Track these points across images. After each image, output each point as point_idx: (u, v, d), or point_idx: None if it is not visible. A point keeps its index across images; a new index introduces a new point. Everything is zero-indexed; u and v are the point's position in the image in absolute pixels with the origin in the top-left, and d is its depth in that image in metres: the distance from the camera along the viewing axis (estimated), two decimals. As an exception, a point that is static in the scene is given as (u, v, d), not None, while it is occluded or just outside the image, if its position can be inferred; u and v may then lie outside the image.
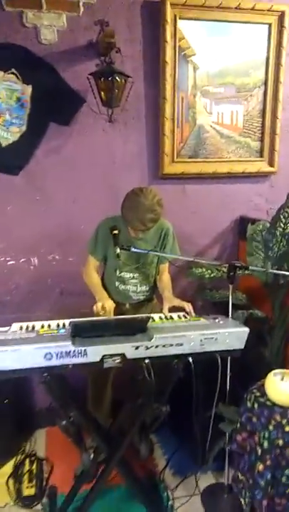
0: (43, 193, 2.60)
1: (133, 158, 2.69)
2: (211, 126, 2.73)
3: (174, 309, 2.07)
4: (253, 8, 2.56)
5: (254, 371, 2.01)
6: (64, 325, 1.95)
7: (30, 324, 1.95)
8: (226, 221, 2.93)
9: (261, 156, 2.83)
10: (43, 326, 1.92)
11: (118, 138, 2.64)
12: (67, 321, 1.99)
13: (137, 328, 1.76)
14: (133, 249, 2.01)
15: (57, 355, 1.62)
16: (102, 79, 2.30)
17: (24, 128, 2.46)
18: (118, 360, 1.68)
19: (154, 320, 1.93)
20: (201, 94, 2.67)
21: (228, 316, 2.05)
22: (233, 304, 2.03)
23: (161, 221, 2.27)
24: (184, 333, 1.73)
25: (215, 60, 2.62)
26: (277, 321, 2.12)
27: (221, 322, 1.89)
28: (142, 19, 2.50)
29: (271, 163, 2.84)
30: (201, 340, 1.73)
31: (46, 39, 2.39)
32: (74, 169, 2.61)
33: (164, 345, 1.70)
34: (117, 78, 2.27)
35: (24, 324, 1.95)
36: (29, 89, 2.41)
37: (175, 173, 2.71)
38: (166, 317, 2.03)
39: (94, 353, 1.65)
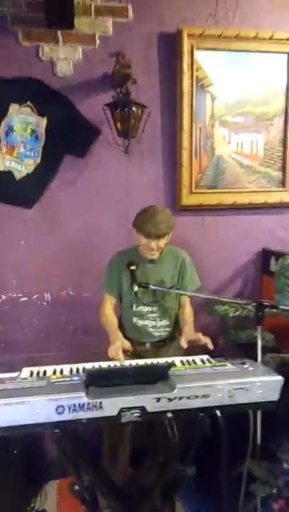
0: (56, 226, 2.51)
1: (149, 189, 2.59)
2: (230, 156, 2.63)
3: (192, 347, 1.91)
4: (271, 38, 2.51)
5: (287, 423, 1.81)
6: (78, 370, 1.80)
7: (42, 369, 1.81)
8: (247, 254, 2.78)
9: (283, 186, 2.71)
10: (54, 372, 1.77)
11: (134, 169, 2.55)
12: (80, 366, 1.85)
13: (157, 376, 1.59)
14: (152, 287, 1.88)
15: (69, 408, 1.46)
16: (118, 109, 2.24)
17: (38, 160, 2.40)
18: (137, 414, 1.50)
19: (175, 365, 1.76)
20: (220, 124, 2.59)
21: (256, 360, 1.87)
22: (263, 347, 1.85)
23: (177, 249, 2.21)
24: (211, 383, 1.55)
25: (233, 89, 2.56)
26: (310, 365, 1.93)
27: (251, 368, 1.70)
28: (158, 50, 2.47)
29: (294, 194, 2.72)
30: (229, 391, 1.54)
31: (62, 72, 2.36)
32: (89, 202, 2.52)
33: (188, 397, 1.52)
34: (133, 108, 2.21)
35: (35, 369, 1.81)
36: (44, 121, 2.36)
37: (193, 204, 2.60)
38: (188, 362, 1.85)
39: (110, 405, 1.48)
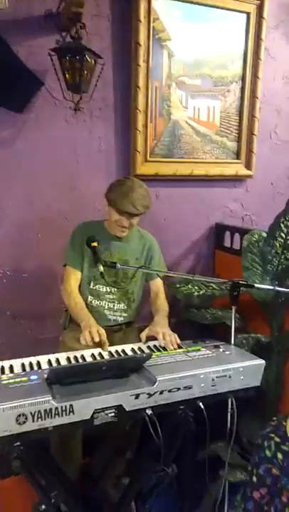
0: (-10, 195, 2.11)
1: (100, 155, 2.30)
2: (187, 123, 2.43)
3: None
4: (231, -7, 2.31)
5: (256, 406, 1.75)
6: (31, 366, 1.52)
7: (-15, 368, 1.50)
8: (200, 229, 2.66)
9: (238, 157, 2.60)
10: (3, 371, 1.47)
11: (83, 131, 2.23)
12: (33, 360, 1.57)
13: (132, 368, 1.40)
14: (119, 266, 1.64)
15: (33, 416, 1.20)
16: (68, 57, 1.88)
17: None
18: (113, 414, 1.30)
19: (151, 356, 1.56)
20: (177, 86, 2.36)
21: (226, 341, 1.76)
22: (228, 326, 1.75)
23: (145, 232, 2.05)
24: (193, 372, 1.40)
25: (191, 48, 2.34)
26: (275, 344, 1.88)
27: (227, 352, 1.59)
28: (111, -8, 2.13)
29: (248, 166, 2.62)
30: (212, 380, 1.41)
31: (-5, 3, 1.91)
32: (30, 166, 2.16)
33: (169, 390, 1.36)
34: (87, 57, 1.87)
35: (-24, 368, 1.49)
36: (-28, 64, 1.91)
37: (148, 174, 2.36)
38: (156, 347, 1.68)
39: (83, 408, 1.25)
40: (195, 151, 2.49)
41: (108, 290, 1.90)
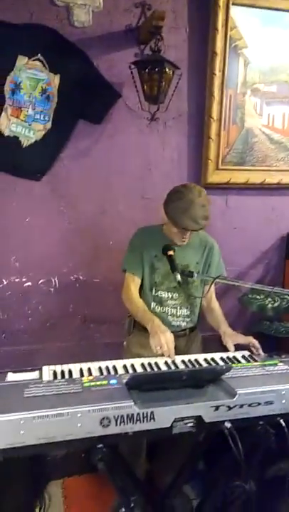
0: (67, 203, 2.21)
1: (172, 164, 2.32)
2: (261, 130, 2.39)
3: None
4: (313, -3, 2.24)
5: None
6: (108, 370, 1.56)
7: (66, 368, 1.56)
8: (271, 238, 2.59)
9: (313, 165, 2.50)
10: (82, 373, 1.52)
11: (156, 140, 2.27)
12: (109, 364, 1.61)
13: (210, 379, 1.38)
14: (196, 276, 1.64)
15: (116, 420, 1.22)
16: (147, 69, 1.93)
17: (49, 125, 2.07)
18: (192, 424, 1.29)
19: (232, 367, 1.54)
20: (251, 93, 2.33)
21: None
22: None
23: (204, 234, 1.98)
24: (274, 387, 1.35)
25: (268, 54, 2.30)
26: None
27: (308, 368, 1.52)
28: (188, 4, 2.16)
29: None
30: (294, 397, 1.36)
31: (79, 21, 2.02)
32: (104, 175, 2.23)
33: (250, 405, 1.32)
34: (166, 69, 1.91)
35: (58, 368, 1.56)
36: (57, 79, 2.03)
37: (219, 182, 2.35)
38: (229, 359, 1.65)
39: (163, 416, 1.25)
40: (268, 159, 2.44)
41: (170, 296, 1.89)
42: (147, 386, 1.32)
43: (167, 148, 2.29)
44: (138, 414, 1.23)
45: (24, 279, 2.23)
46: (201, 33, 2.19)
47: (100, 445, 1.22)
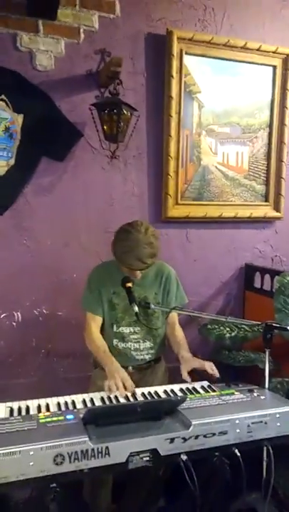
0: (30, 236, 2.23)
1: (133, 199, 2.41)
2: (216, 167, 2.53)
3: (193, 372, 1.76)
4: (258, 49, 2.46)
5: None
6: (67, 405, 1.55)
7: (23, 405, 1.54)
8: (230, 269, 2.68)
9: (266, 200, 2.66)
10: (40, 409, 1.51)
11: (117, 177, 2.36)
12: (68, 399, 1.60)
13: (166, 411, 1.40)
14: (153, 307, 1.68)
15: (70, 456, 1.21)
16: (106, 110, 2.04)
17: (12, 161, 2.12)
18: (148, 458, 1.29)
19: (186, 398, 1.56)
20: (206, 133, 2.48)
21: (259, 385, 1.74)
22: (260, 369, 1.73)
23: (160, 264, 1.99)
24: (228, 417, 1.38)
25: (220, 99, 2.47)
26: (311, 388, 1.84)
27: (262, 397, 1.57)
28: (145, 51, 2.32)
29: (277, 209, 2.67)
30: (248, 426, 1.39)
31: (42, 65, 2.12)
32: (67, 210, 2.28)
33: (205, 435, 1.34)
34: (123, 110, 2.02)
35: (14, 405, 1.54)
36: (20, 118, 2.10)
37: (179, 216, 2.45)
38: (189, 390, 1.67)
39: (118, 450, 1.25)
40: (224, 194, 2.57)
41: (132, 330, 1.89)
42: (103, 420, 1.32)
43: (128, 184, 2.38)
44: (92, 449, 1.23)
45: (-15, 314, 2.21)
46: (157, 78, 2.34)
47: (53, 484, 1.20)
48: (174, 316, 1.98)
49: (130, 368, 1.91)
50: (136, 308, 1.65)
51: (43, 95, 2.12)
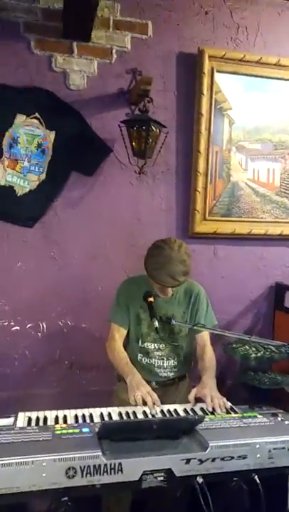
0: (58, 249, 2.28)
1: (161, 214, 2.41)
2: (246, 184, 2.50)
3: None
4: (292, 66, 2.43)
5: None
6: (84, 417, 1.55)
7: (41, 415, 1.55)
8: (259, 288, 2.61)
9: (299, 217, 2.58)
10: (57, 420, 1.52)
11: (145, 192, 2.38)
12: (86, 412, 1.60)
13: (183, 430, 1.36)
14: (174, 323, 1.66)
15: (82, 470, 1.20)
16: (135, 127, 2.07)
17: (43, 176, 2.19)
18: (162, 478, 1.26)
19: (204, 419, 1.52)
20: (237, 150, 2.46)
21: (284, 409, 1.66)
22: (287, 393, 1.65)
23: (190, 283, 1.98)
24: (248, 441, 1.33)
25: (251, 115, 2.45)
26: None
27: (287, 422, 1.49)
28: (176, 70, 2.35)
29: (310, 226, 2.59)
30: (269, 452, 1.32)
31: (75, 84, 2.20)
32: (95, 224, 2.32)
33: (222, 458, 1.29)
34: (152, 127, 2.05)
35: (33, 415, 1.55)
36: (52, 135, 2.18)
37: (206, 232, 2.43)
38: (211, 412, 1.62)
39: (132, 468, 1.23)
40: (254, 211, 2.52)
41: (157, 347, 1.88)
42: (118, 436, 1.30)
43: (156, 199, 2.40)
44: (105, 465, 1.21)
45: (12, 323, 2.25)
46: (188, 96, 2.35)
47: (65, 498, 1.19)
48: (205, 337, 1.94)
49: (153, 383, 1.89)
50: (156, 323, 1.64)
51: (74, 113, 2.19)
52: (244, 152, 2.48)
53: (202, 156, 2.36)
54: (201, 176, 2.37)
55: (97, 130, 2.24)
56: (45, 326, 2.30)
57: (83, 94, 2.22)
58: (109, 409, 1.63)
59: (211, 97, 2.34)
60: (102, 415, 1.58)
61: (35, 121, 2.14)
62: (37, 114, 2.14)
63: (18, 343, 2.26)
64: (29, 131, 2.14)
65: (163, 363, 1.91)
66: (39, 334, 2.29)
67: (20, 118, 2.13)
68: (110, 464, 1.21)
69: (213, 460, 1.28)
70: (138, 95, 2.15)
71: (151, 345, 1.89)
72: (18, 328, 2.26)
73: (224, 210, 2.47)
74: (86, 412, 1.60)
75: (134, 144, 2.12)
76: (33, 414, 1.55)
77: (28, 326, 2.27)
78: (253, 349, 1.97)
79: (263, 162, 2.52)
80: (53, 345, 2.31)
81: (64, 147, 2.19)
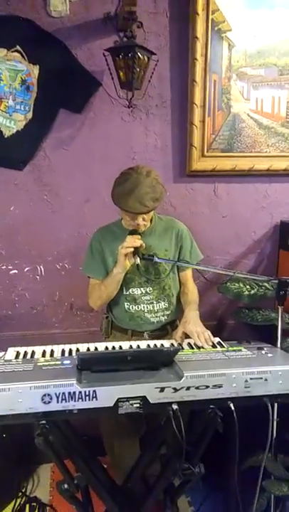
0: (51, 192, 2.24)
1: (156, 152, 2.30)
2: (248, 115, 2.33)
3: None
4: (300, -25, 2.16)
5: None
6: (70, 352, 1.58)
7: (30, 350, 1.61)
8: (263, 227, 2.51)
9: (307, 150, 2.41)
10: (44, 354, 1.56)
11: (139, 129, 2.26)
12: (74, 347, 1.64)
13: (161, 362, 1.37)
14: (156, 259, 1.63)
15: (58, 397, 1.24)
16: (120, 55, 1.93)
17: (30, 115, 2.11)
18: (137, 405, 1.29)
19: (182, 349, 1.53)
20: (237, 77, 2.27)
21: (274, 344, 1.64)
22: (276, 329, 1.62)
23: (170, 219, 1.92)
24: (224, 371, 1.33)
25: (254, 37, 2.23)
26: None
27: (270, 355, 1.48)
28: (168, -13, 2.13)
29: None
30: (246, 381, 1.32)
31: (56, 11, 2.04)
32: (87, 164, 2.25)
33: (197, 387, 1.30)
34: (138, 54, 1.90)
35: (22, 350, 1.60)
36: (36, 69, 2.07)
37: (205, 169, 2.31)
38: (196, 345, 1.62)
39: (106, 395, 1.27)
40: (257, 145, 2.36)
41: (144, 291, 1.82)
42: (94, 366, 1.33)
43: (151, 135, 2.28)
44: (80, 392, 1.25)
45: (10, 267, 2.29)
46: (182, 18, 2.15)
47: (43, 421, 1.24)
48: (187, 274, 1.90)
49: (146, 334, 1.87)
50: (137, 260, 1.60)
51: (58, 43, 2.05)
52: (246, 79, 2.28)
53: (198, 85, 2.19)
54: (197, 109, 2.22)
55: (83, 62, 2.11)
56: (42, 269, 2.32)
57: (66, 22, 2.06)
58: (97, 344, 1.67)
59: (208, 17, 2.13)
60: (88, 349, 1.62)
61: (17, 54, 2.03)
62: (18, 47, 2.02)
63: (16, 286, 2.31)
64: (11, 67, 2.04)
65: (153, 307, 1.84)
66: (37, 277, 2.33)
67: (0, 52, 2.02)
68: (85, 392, 1.25)
69: (188, 388, 1.29)
70: (124, 19, 1.98)
71: (137, 291, 1.82)
72: (16, 271, 2.30)
73: (224, 145, 2.33)
74: (73, 346, 1.63)
75: (120, 74, 1.98)
76: (22, 349, 1.60)
77: (26, 269, 2.30)
78: (247, 287, 1.93)
79: (267, 90, 2.32)
80: (52, 287, 2.35)
81: (49, 82, 2.08)
